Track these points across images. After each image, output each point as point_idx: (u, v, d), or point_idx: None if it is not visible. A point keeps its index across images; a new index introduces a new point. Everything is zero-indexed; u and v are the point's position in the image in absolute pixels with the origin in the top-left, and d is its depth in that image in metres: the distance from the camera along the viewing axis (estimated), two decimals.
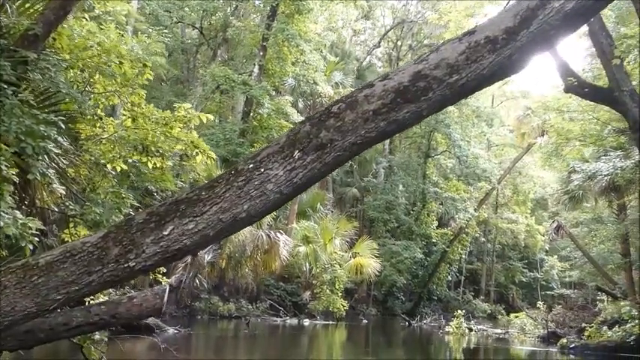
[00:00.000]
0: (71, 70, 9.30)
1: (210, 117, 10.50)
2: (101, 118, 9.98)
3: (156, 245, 5.43)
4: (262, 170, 5.35)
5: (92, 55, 9.17)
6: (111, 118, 10.25)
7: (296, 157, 5.31)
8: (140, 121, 9.90)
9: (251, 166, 5.40)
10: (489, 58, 5.15)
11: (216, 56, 41.25)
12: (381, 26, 56.71)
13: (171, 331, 22.45)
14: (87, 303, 8.54)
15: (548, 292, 60.32)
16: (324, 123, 5.32)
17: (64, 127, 7.99)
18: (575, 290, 54.51)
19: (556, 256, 60.78)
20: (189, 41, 43.32)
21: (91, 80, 9.79)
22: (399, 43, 55.67)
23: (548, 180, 59.71)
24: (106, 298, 10.13)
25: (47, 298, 5.44)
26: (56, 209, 9.81)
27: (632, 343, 22.47)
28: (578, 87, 18.41)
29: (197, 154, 10.52)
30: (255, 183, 5.34)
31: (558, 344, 26.80)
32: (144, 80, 9.94)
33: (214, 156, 10.62)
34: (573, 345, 25.70)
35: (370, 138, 5.31)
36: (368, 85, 5.39)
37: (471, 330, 36.33)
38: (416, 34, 54.92)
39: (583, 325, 28.50)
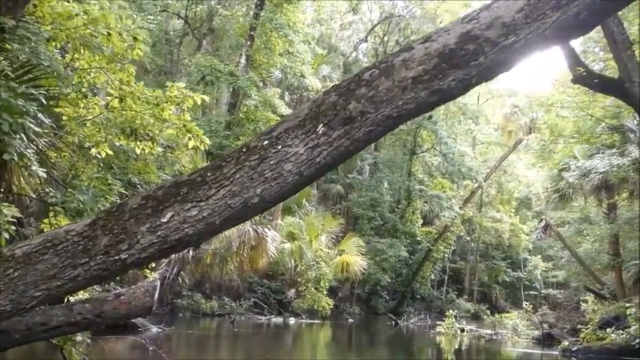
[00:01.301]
0: (53, 44, 8.43)
1: (206, 98, 9.68)
2: (86, 97, 9.12)
3: (152, 234, 4.61)
4: (279, 148, 4.51)
5: (77, 25, 8.31)
6: (97, 98, 9.40)
7: (320, 132, 4.48)
8: (129, 101, 9.05)
9: (265, 142, 4.57)
10: (552, 16, 4.33)
11: (202, 46, 40.46)
12: (367, 21, 56.05)
13: (155, 329, 21.76)
14: (67, 300, 7.74)
15: (531, 292, 60.16)
16: (353, 92, 4.50)
17: (45, 102, 7.15)
18: (562, 290, 54.40)
19: (539, 256, 60.70)
20: (173, 32, 42.42)
21: (75, 56, 8.93)
22: (385, 38, 55.01)
23: (533, 179, 59.57)
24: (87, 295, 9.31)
25: (24, 295, 4.61)
26: (34, 196, 8.95)
27: (636, 347, 21.95)
28: (586, 77, 17.78)
29: (190, 139, 9.70)
30: (271, 162, 4.51)
31: (559, 347, 26.20)
32: (134, 55, 9.10)
33: (208, 141, 9.81)
34: (576, 348, 25.10)
35: (408, 110, 4.49)
36: (406, 49, 4.58)
37: (462, 330, 35.84)
38: (403, 30, 54.26)
39: (579, 326, 28.06)
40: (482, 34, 4.38)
